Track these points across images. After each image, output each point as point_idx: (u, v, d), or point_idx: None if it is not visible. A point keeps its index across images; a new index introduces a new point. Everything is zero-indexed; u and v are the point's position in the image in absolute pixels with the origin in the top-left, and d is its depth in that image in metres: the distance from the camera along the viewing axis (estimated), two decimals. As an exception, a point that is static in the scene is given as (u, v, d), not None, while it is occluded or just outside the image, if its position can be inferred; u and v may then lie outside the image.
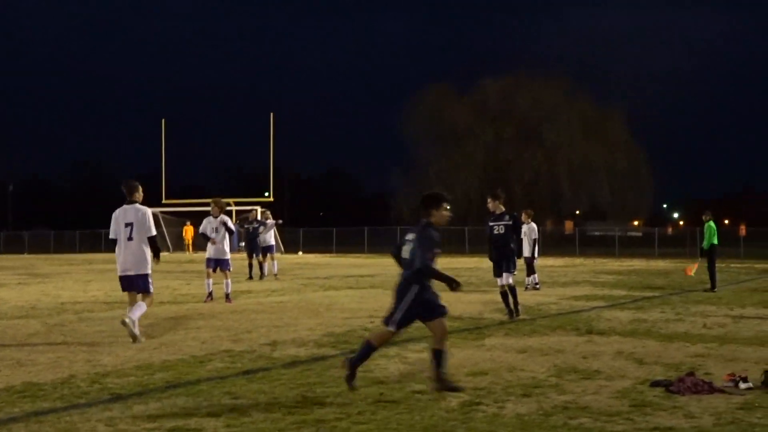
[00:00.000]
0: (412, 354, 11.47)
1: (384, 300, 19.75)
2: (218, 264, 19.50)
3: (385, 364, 10.61)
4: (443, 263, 39.56)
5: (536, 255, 24.67)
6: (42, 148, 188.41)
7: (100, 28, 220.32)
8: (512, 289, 16.45)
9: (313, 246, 64.35)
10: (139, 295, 13.12)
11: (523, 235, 23.58)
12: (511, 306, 16.33)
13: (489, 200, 16.76)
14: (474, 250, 54.81)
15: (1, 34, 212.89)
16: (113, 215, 13.17)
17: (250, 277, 27.64)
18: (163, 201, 63.82)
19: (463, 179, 76.43)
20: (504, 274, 16.41)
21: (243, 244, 56.44)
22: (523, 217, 24.06)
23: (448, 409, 8.02)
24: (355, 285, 25.07)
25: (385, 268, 35.31)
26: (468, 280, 27.31)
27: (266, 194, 65.88)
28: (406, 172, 79.21)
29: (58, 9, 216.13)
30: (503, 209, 16.62)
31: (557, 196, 78.35)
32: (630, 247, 64.22)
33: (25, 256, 58.73)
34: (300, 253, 61.14)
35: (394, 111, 79.11)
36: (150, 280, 13.17)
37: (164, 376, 9.69)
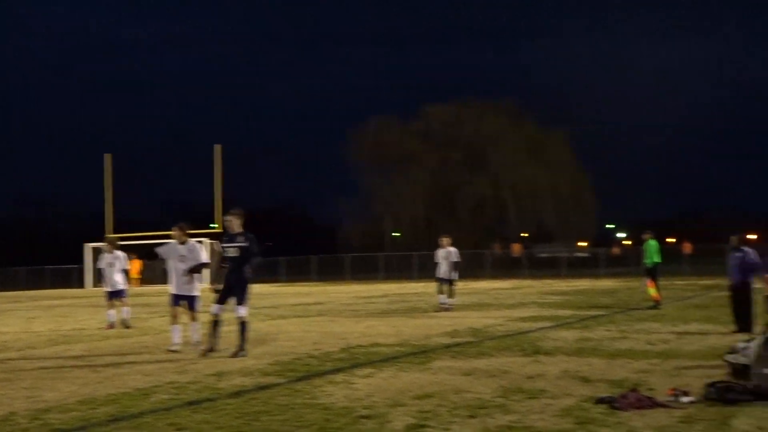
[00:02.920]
0: (359, 379, 11.41)
1: (330, 327, 19.73)
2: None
3: (332, 390, 10.55)
4: (392, 288, 39.34)
5: (455, 278, 24.94)
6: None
7: (43, 63, 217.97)
8: (242, 324, 14.50)
9: (262, 276, 63.95)
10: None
11: (441, 259, 24.56)
12: (216, 338, 14.66)
13: (229, 218, 14.89)
14: (422, 276, 54.89)
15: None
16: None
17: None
18: (107, 235, 63.14)
19: (410, 205, 76.67)
20: (236, 306, 14.56)
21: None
22: (444, 242, 25.16)
23: (394, 432, 8.00)
24: (302, 313, 24.97)
25: (331, 296, 35.29)
26: (415, 305, 27.36)
27: (213, 225, 65.46)
28: (352, 201, 79.30)
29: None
30: (240, 230, 14.79)
31: (503, 219, 78.87)
32: (577, 267, 64.78)
33: (-31, 294, 57.76)
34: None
35: (341, 142, 78.89)
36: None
37: (108, 410, 9.55)
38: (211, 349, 14.63)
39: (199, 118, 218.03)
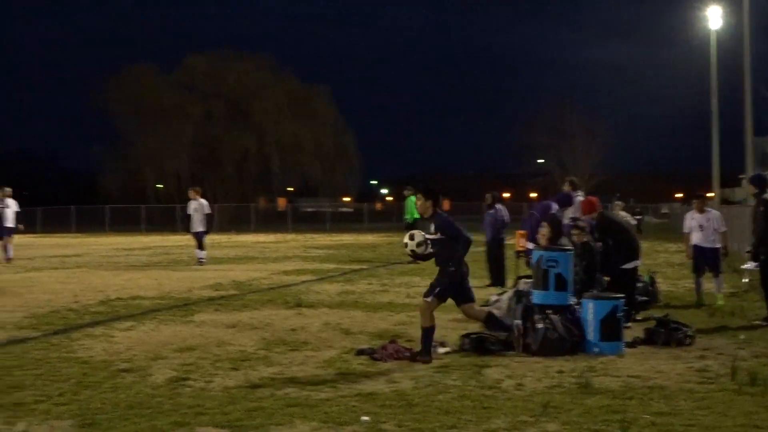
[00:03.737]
0: (118, 332, 11.19)
1: (89, 280, 19.19)
2: None
3: (90, 343, 10.29)
4: (154, 241, 38.39)
5: (206, 230, 24.44)
6: None
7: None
8: None
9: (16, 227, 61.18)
10: None
11: (193, 211, 23.98)
12: None
13: None
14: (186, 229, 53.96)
15: None
16: None
17: None
18: None
19: (173, 157, 75.24)
20: None
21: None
22: (191, 194, 24.59)
23: (155, 385, 7.92)
24: (60, 265, 24.13)
25: (91, 248, 34.27)
26: (178, 258, 27.00)
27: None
28: (111, 151, 76.80)
29: None
30: None
31: (268, 173, 78.68)
32: (341, 222, 65.68)
33: None
34: None
35: (97, 90, 75.85)
36: None
37: None
38: None
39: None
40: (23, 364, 8.99)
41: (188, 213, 24.39)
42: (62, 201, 66.63)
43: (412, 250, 9.50)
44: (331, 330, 11.32)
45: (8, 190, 25.20)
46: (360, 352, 9.41)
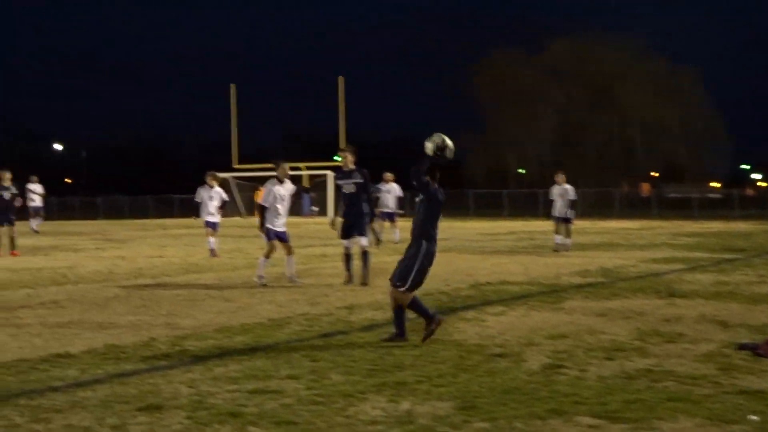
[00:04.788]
0: (490, 317, 11.42)
1: (457, 263, 19.70)
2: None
3: (464, 327, 10.58)
4: (517, 226, 39.18)
5: (572, 216, 24.31)
6: (109, 114, 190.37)
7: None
8: (364, 254, 15.30)
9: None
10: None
11: (557, 197, 23.82)
12: (351, 271, 15.45)
13: (342, 154, 15.86)
14: (548, 214, 54.23)
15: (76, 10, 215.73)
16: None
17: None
18: (235, 166, 64.33)
19: (535, 142, 75.76)
20: (357, 237, 15.33)
21: (316, 208, 56.65)
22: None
23: (530, 372, 7.98)
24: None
25: (456, 232, 35.28)
26: (543, 243, 27.12)
27: (336, 158, 65.98)
28: (477, 137, 78.49)
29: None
30: (353, 167, 15.44)
31: (631, 157, 77.19)
32: (709, 209, 63.11)
33: (100, 221, 59.67)
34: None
35: (462, 77, 77.32)
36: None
37: (243, 339, 9.79)
38: (349, 280, 15.36)
39: (319, 48, 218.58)
40: (402, 344, 9.39)
41: (551, 198, 24.45)
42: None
43: None
44: (708, 322, 10.89)
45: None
46: (741, 347, 8.97)
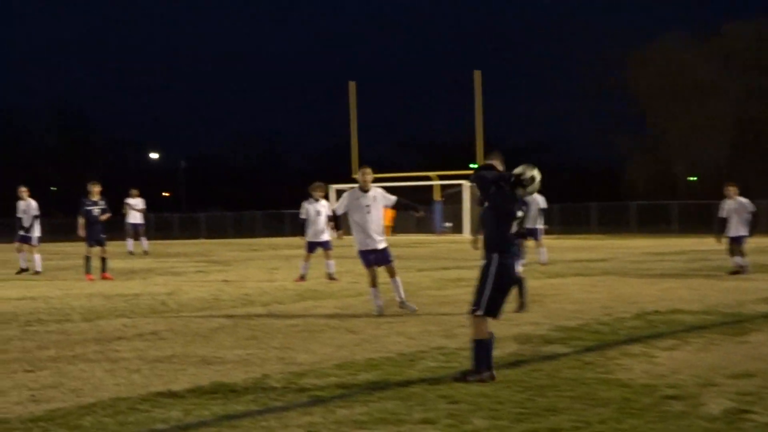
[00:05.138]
0: (660, 352, 11.27)
1: (619, 288, 19.51)
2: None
3: (629, 363, 10.46)
4: (688, 244, 38.16)
5: (746, 234, 23.79)
6: (208, 121, 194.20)
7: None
8: (519, 281, 14.93)
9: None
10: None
11: (731, 212, 23.34)
12: (524, 297, 15.64)
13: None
14: (720, 231, 53.05)
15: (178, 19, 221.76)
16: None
17: None
18: (354, 176, 64.60)
19: (708, 145, 74.08)
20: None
21: (448, 224, 56.56)
22: (731, 191, 23.96)
23: (709, 417, 7.85)
24: (584, 271, 24.79)
25: (616, 251, 34.89)
26: (721, 265, 26.57)
27: (472, 165, 65.80)
28: (636, 139, 77.37)
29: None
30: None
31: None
32: None
33: (202, 240, 60.88)
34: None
35: (617, 69, 75.90)
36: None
37: (369, 377, 9.87)
38: (521, 308, 15.50)
39: (452, 44, 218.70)
40: (556, 384, 9.33)
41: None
42: (580, 197, 68.30)
43: None
44: None
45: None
46: None
